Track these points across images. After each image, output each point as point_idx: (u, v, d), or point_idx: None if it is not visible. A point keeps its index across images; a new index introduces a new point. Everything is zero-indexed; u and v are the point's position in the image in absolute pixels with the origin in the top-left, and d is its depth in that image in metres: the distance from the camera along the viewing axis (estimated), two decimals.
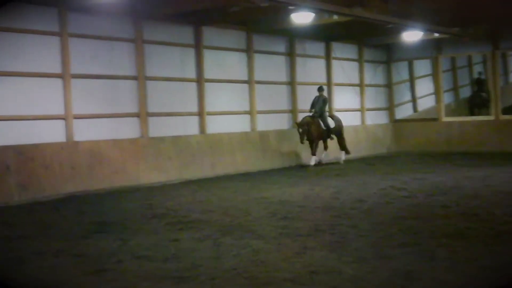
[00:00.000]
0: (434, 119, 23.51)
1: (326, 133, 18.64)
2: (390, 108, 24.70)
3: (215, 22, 17.23)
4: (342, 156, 19.46)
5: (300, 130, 17.72)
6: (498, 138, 21.65)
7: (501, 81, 24.56)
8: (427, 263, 6.58)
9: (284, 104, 19.93)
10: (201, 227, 9.00)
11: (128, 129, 15.32)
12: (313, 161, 18.36)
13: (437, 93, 23.87)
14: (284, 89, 19.94)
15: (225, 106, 17.92)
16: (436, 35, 20.60)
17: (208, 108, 17.25)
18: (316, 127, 18.26)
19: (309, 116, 18.40)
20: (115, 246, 7.92)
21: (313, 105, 18.65)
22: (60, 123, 13.99)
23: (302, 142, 17.82)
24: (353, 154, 20.99)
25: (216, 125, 17.46)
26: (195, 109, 17.04)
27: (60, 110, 13.97)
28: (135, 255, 7.33)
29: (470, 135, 22.27)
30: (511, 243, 7.45)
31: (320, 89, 18.91)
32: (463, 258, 6.78)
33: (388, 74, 24.74)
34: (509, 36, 21.80)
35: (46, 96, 13.78)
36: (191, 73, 17.01)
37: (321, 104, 18.61)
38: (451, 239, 7.68)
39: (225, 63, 18.01)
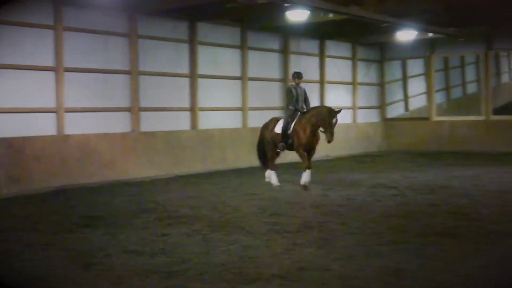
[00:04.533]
0: (425, 119, 23.58)
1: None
2: (381, 106, 24.74)
3: (210, 18, 17.21)
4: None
5: (334, 120, 12.47)
6: (489, 138, 21.75)
7: (494, 82, 24.64)
8: (415, 261, 6.62)
9: (277, 101, 19.92)
10: (190, 222, 9.01)
11: (119, 124, 15.29)
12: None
13: (429, 92, 23.93)
14: (277, 86, 19.94)
15: (218, 102, 17.91)
16: (430, 34, 20.65)
17: (201, 104, 17.23)
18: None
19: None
20: (104, 241, 7.92)
21: (294, 99, 13.07)
22: (51, 117, 13.94)
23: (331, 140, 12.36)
24: (344, 152, 21.01)
25: (208, 121, 17.45)
26: (187, 104, 17.02)
27: (51, 104, 13.92)
28: (124, 250, 7.34)
29: (460, 135, 22.37)
30: (499, 243, 7.49)
31: (299, 76, 13.38)
32: (452, 256, 6.83)
33: (381, 72, 24.79)
34: (502, 37, 21.87)
35: (38, 89, 13.73)
36: (185, 69, 16.98)
37: (304, 97, 13.29)
38: (440, 238, 7.73)
39: (218, 59, 17.99)
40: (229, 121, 18.21)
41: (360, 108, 23.45)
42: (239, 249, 7.25)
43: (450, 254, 6.94)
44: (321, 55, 21.70)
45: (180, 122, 16.81)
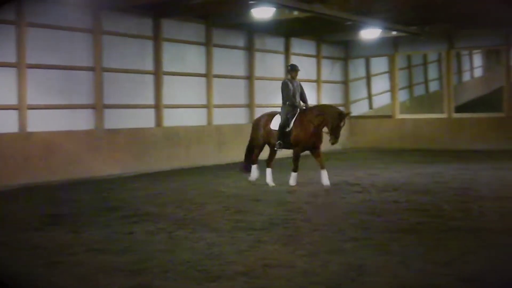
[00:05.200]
0: (389, 116, 23.84)
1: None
2: (346, 104, 24.91)
3: (174, 15, 17.15)
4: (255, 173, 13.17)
5: (342, 123, 12.02)
6: (450, 136, 22.12)
7: (455, 80, 25.04)
8: (379, 257, 6.70)
9: (242, 99, 19.96)
10: (155, 220, 8.99)
11: (83, 121, 15.15)
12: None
13: (392, 90, 24.22)
14: (242, 84, 19.98)
15: (182, 99, 17.86)
16: (394, 33, 20.90)
17: (165, 101, 17.17)
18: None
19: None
20: (68, 239, 7.86)
21: (291, 94, 12.29)
22: (14, 114, 13.74)
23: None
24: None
25: (173, 118, 17.39)
26: (152, 101, 16.94)
27: (13, 100, 13.72)
28: (89, 248, 7.29)
29: (423, 133, 22.69)
30: (460, 238, 7.62)
31: (294, 68, 12.56)
32: (415, 252, 6.92)
33: (345, 70, 24.99)
34: (463, 36, 22.28)
35: (0, 86, 13.53)
36: (149, 66, 16.89)
37: (300, 92, 12.53)
38: (403, 234, 7.83)
39: (183, 56, 17.94)
40: (194, 118, 18.17)
41: None
42: (204, 247, 7.26)
43: (412, 250, 7.05)
44: (286, 53, 21.79)
45: (145, 119, 16.72)
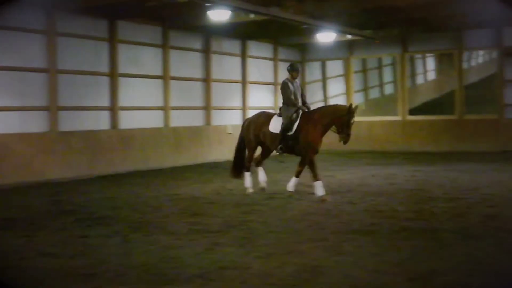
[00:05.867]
0: None
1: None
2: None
3: (130, 17, 17.02)
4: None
5: (352, 120, 11.76)
6: (404, 138, 22.48)
7: (409, 83, 25.42)
8: (333, 257, 6.78)
9: (199, 101, 19.90)
10: (110, 224, 8.92)
11: (36, 123, 14.89)
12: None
13: (348, 93, 24.47)
14: (199, 86, 19.92)
15: (139, 102, 17.72)
16: (349, 36, 21.13)
17: (121, 103, 17.01)
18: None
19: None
20: (20, 243, 7.73)
21: (292, 95, 11.65)
22: None
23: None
24: None
25: (129, 121, 17.24)
26: (107, 103, 16.76)
27: None
28: (41, 252, 7.19)
29: (377, 135, 22.98)
30: (413, 239, 7.74)
31: (294, 68, 11.89)
32: (368, 253, 7.02)
33: (301, 73, 25.09)
34: (417, 40, 22.68)
35: None
36: (105, 68, 16.71)
37: (301, 93, 11.95)
38: (357, 235, 7.93)
39: (140, 58, 17.80)
40: (151, 120, 18.05)
41: None
42: (159, 250, 7.23)
43: (366, 250, 7.14)
44: (243, 55, 21.83)
45: (100, 121, 16.54)
